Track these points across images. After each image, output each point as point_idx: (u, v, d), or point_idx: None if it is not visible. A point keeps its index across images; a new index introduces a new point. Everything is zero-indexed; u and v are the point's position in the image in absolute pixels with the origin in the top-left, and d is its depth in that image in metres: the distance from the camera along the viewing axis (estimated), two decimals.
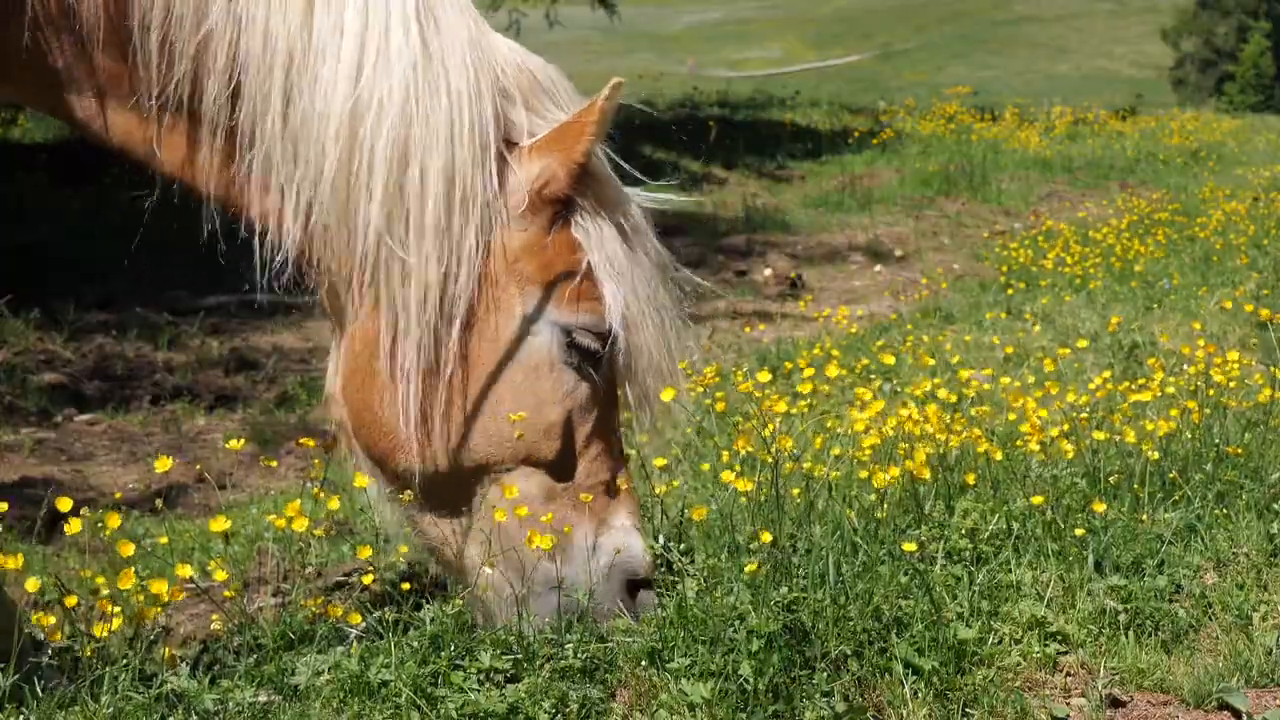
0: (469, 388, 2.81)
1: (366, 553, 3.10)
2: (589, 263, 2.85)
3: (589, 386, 2.90)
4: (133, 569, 2.76)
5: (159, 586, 2.77)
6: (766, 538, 3.03)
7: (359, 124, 2.67)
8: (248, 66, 2.67)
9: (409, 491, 2.84)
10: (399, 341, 2.76)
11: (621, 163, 2.99)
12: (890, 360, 5.73)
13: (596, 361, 2.89)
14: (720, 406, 4.64)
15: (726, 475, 3.47)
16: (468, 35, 2.76)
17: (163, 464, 2.99)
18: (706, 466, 4.42)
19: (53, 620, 2.79)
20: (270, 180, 2.72)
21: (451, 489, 2.87)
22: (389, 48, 2.67)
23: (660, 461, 3.17)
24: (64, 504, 2.83)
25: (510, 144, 2.83)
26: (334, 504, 3.12)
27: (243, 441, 3.62)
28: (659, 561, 3.09)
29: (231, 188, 2.77)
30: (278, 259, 2.73)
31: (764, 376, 3.51)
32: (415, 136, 2.68)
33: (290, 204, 2.71)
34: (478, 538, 2.88)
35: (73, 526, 2.76)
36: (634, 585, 2.95)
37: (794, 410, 4.23)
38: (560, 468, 2.89)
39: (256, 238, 2.74)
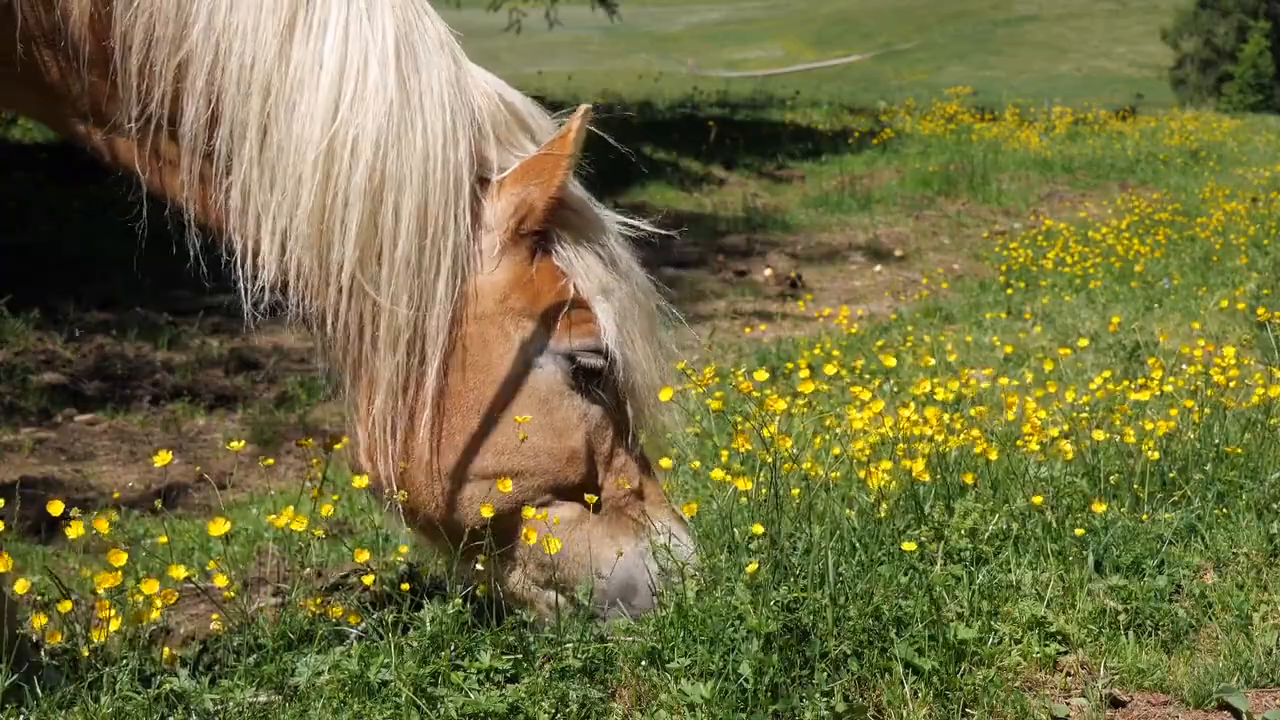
0: (478, 433, 2.80)
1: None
2: (575, 287, 2.87)
3: (600, 406, 2.92)
4: (119, 573, 2.75)
5: (150, 587, 2.77)
6: (758, 530, 3.04)
7: (334, 159, 2.65)
8: (225, 92, 2.65)
9: (401, 491, 2.83)
10: (374, 386, 2.75)
11: (596, 201, 3.01)
12: (891, 361, 5.73)
13: (601, 382, 2.91)
14: (717, 405, 4.65)
15: (717, 474, 3.47)
16: (447, 74, 2.75)
17: (162, 458, 2.99)
18: (697, 464, 4.41)
19: (47, 621, 2.78)
20: (248, 206, 2.70)
21: (491, 530, 2.84)
22: (366, 85, 2.67)
23: (666, 463, 3.17)
24: (55, 507, 2.82)
25: (484, 181, 2.83)
26: (327, 509, 3.10)
27: (243, 443, 3.62)
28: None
29: (211, 210, 2.76)
30: (256, 285, 2.71)
31: (761, 376, 3.51)
32: (390, 174, 2.67)
33: (267, 231, 2.70)
34: (528, 573, 2.91)
35: (74, 530, 2.75)
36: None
37: (794, 411, 4.23)
38: (590, 489, 2.91)
39: (237, 261, 2.73)
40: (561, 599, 2.92)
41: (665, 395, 3.04)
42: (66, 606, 2.78)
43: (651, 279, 3.08)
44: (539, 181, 2.79)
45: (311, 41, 2.66)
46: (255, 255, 2.71)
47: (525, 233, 2.82)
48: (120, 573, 2.72)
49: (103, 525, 2.75)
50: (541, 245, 2.86)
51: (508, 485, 2.80)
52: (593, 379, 2.89)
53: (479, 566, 2.83)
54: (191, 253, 2.73)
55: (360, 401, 2.81)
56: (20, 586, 2.73)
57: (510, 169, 2.84)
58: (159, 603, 2.80)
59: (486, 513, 2.78)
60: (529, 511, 2.84)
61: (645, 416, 3.01)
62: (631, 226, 3.04)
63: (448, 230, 2.72)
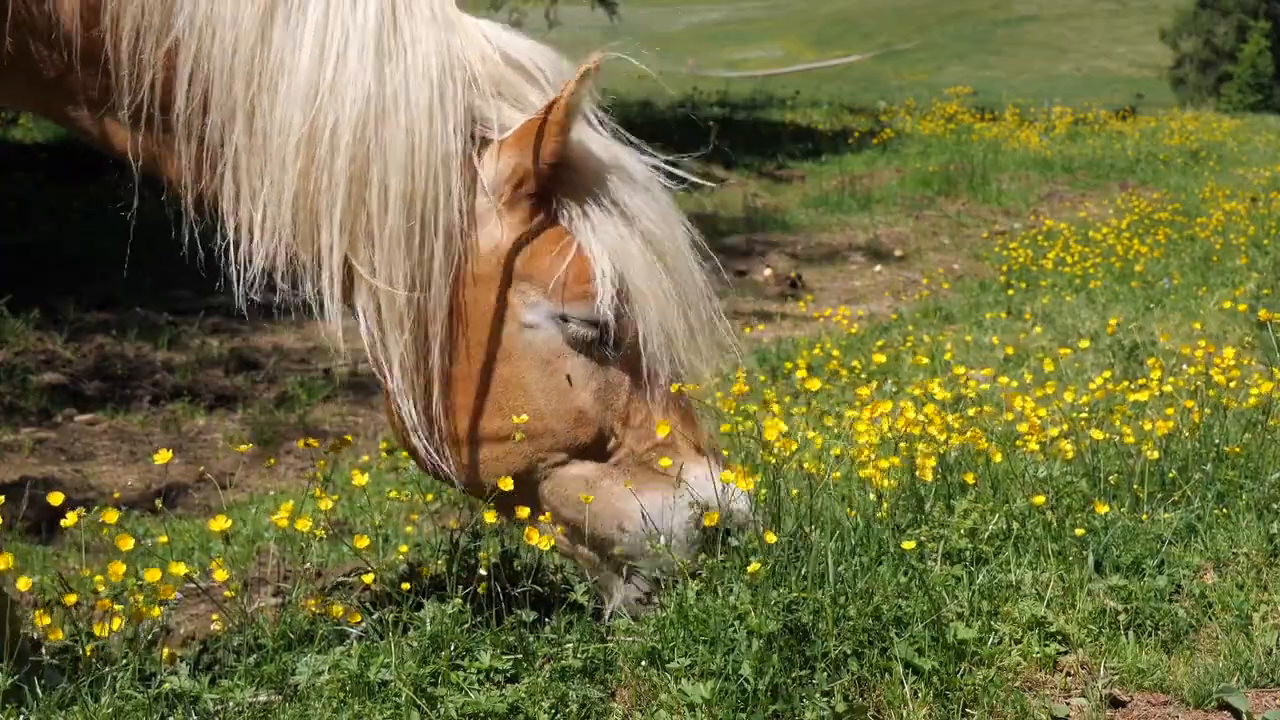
0: (485, 397, 2.80)
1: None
2: (578, 246, 2.80)
3: (610, 365, 2.86)
4: (124, 566, 2.76)
5: (153, 575, 2.77)
6: (771, 538, 3.01)
7: (316, 143, 2.64)
8: (212, 78, 2.66)
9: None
10: (389, 365, 2.75)
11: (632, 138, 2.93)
12: (881, 359, 5.73)
13: (608, 340, 2.83)
14: (731, 406, 4.64)
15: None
16: (435, 44, 2.71)
17: (163, 456, 2.99)
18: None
19: (50, 619, 2.78)
20: (241, 191, 2.71)
21: (513, 490, 2.87)
22: (346, 67, 2.64)
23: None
24: (55, 498, 2.83)
25: (487, 141, 2.78)
26: (325, 504, 3.10)
27: (248, 445, 3.62)
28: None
29: (206, 196, 2.76)
30: (250, 271, 2.71)
31: (769, 395, 3.52)
32: (373, 156, 2.65)
33: (258, 217, 2.69)
34: (557, 530, 2.91)
35: (69, 520, 2.76)
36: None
37: (795, 411, 4.23)
38: (604, 448, 2.87)
39: (230, 246, 2.72)
40: (595, 554, 2.92)
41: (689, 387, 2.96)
42: (72, 599, 2.79)
43: (690, 234, 2.96)
44: (533, 145, 2.74)
45: (291, 24, 2.65)
46: (251, 240, 2.70)
47: (523, 195, 2.78)
48: (122, 565, 2.73)
49: (111, 516, 2.75)
50: (544, 204, 2.81)
51: (518, 447, 2.82)
52: (598, 339, 2.82)
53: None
54: (187, 239, 2.73)
55: (382, 378, 2.81)
56: (23, 584, 2.74)
57: (514, 127, 2.78)
58: (162, 595, 2.81)
59: (505, 485, 2.80)
60: None
61: (665, 374, 2.91)
62: (673, 178, 2.95)
63: (437, 207, 2.69)
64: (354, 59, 2.65)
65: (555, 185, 2.80)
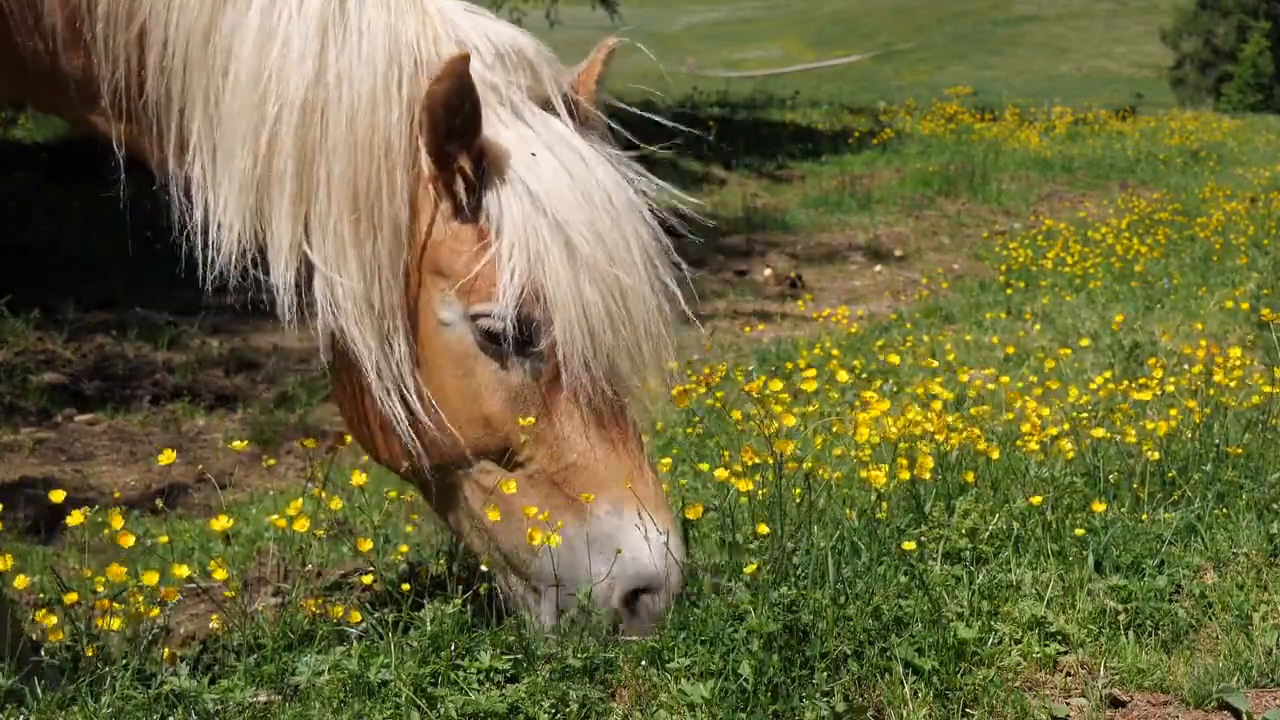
0: (416, 389, 2.77)
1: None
2: (497, 247, 2.72)
3: (523, 373, 2.76)
4: (124, 569, 2.76)
5: (151, 578, 2.78)
6: (763, 529, 3.01)
7: (264, 129, 2.64)
8: (174, 64, 2.67)
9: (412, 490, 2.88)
10: (358, 358, 2.72)
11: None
12: (895, 359, 5.73)
13: (519, 346, 2.74)
14: (733, 412, 4.65)
15: (721, 473, 3.46)
16: (383, 25, 2.68)
17: (166, 457, 3.00)
18: (705, 466, 4.41)
19: (54, 620, 2.78)
20: (206, 178, 2.71)
21: (435, 490, 2.86)
22: (290, 52, 2.64)
23: (666, 463, 3.15)
24: (57, 495, 2.84)
25: None
26: (336, 503, 3.10)
27: (245, 444, 3.62)
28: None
29: (182, 184, 2.76)
30: (219, 259, 2.71)
31: (776, 385, 3.51)
32: (318, 144, 2.64)
33: (221, 204, 2.69)
34: (476, 535, 2.87)
35: (74, 518, 2.76)
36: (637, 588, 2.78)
37: (796, 411, 4.23)
38: (515, 460, 2.79)
39: (196, 233, 2.72)
40: (514, 578, 2.85)
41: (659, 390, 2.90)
42: (73, 598, 2.79)
43: (648, 248, 2.84)
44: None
45: (239, 8, 2.65)
46: (217, 227, 2.71)
47: (446, 188, 2.73)
48: (120, 566, 2.73)
49: (117, 519, 2.75)
50: (468, 199, 2.73)
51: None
52: (515, 344, 2.73)
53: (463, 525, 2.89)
54: (175, 231, 2.75)
55: (331, 371, 2.83)
56: (20, 582, 2.74)
57: None
58: (163, 597, 2.81)
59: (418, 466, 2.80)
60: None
61: (587, 389, 2.76)
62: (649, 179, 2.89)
63: (381, 198, 2.67)
64: (297, 44, 2.64)
65: (476, 181, 2.73)
